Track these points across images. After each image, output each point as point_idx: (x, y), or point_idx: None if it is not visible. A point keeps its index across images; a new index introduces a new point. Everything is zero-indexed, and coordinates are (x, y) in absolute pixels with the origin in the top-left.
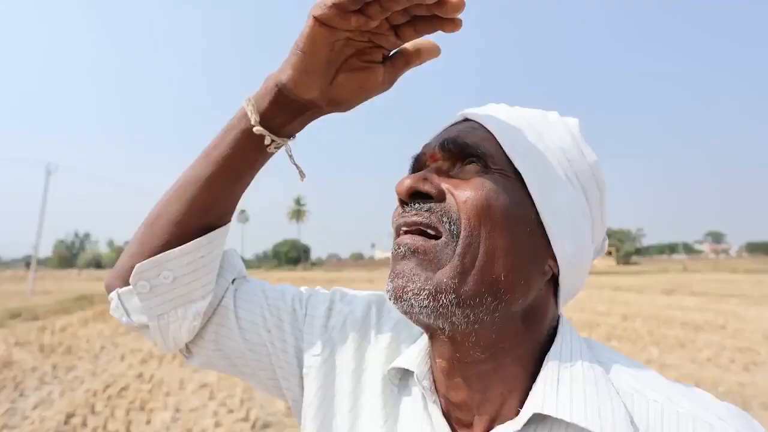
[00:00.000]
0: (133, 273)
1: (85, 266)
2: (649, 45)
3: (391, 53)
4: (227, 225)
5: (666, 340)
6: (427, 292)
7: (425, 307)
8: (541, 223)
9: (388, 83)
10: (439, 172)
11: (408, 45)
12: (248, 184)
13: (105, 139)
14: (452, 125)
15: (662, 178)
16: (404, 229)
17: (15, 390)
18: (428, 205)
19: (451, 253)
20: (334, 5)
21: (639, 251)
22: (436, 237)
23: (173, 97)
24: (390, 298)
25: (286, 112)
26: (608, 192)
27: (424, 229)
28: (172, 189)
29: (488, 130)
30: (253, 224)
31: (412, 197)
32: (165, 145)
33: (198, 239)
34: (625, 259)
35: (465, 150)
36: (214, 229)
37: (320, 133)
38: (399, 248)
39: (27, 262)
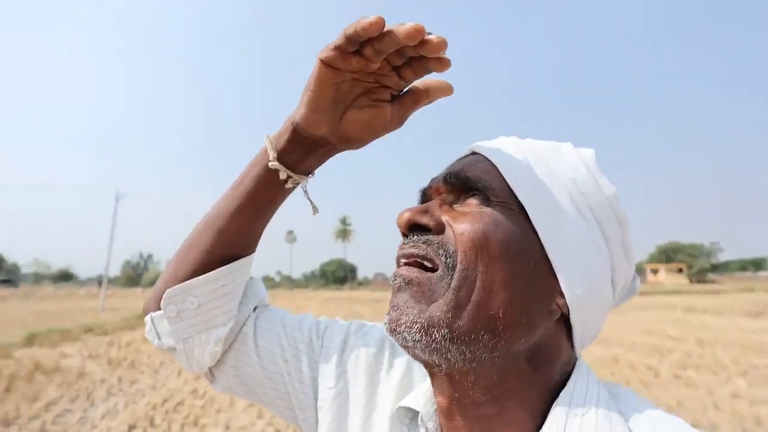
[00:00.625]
0: (163, 297)
1: (149, 285)
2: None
3: (402, 92)
4: (251, 256)
5: (756, 371)
6: (419, 325)
7: (418, 341)
8: (548, 259)
9: (397, 121)
10: (442, 205)
11: (418, 83)
12: (270, 218)
13: (167, 166)
14: (460, 159)
15: (739, 187)
16: (402, 260)
17: (87, 399)
18: (426, 237)
19: (446, 286)
20: (335, 48)
21: (715, 268)
22: (433, 269)
23: (231, 124)
24: (387, 331)
25: (300, 148)
26: (631, 226)
27: (421, 261)
28: (203, 220)
29: (493, 163)
30: (300, 244)
31: (411, 229)
32: (221, 170)
33: (221, 269)
34: (699, 276)
35: (467, 183)
36: (240, 258)
37: (366, 151)
38: (395, 280)
39: (99, 281)
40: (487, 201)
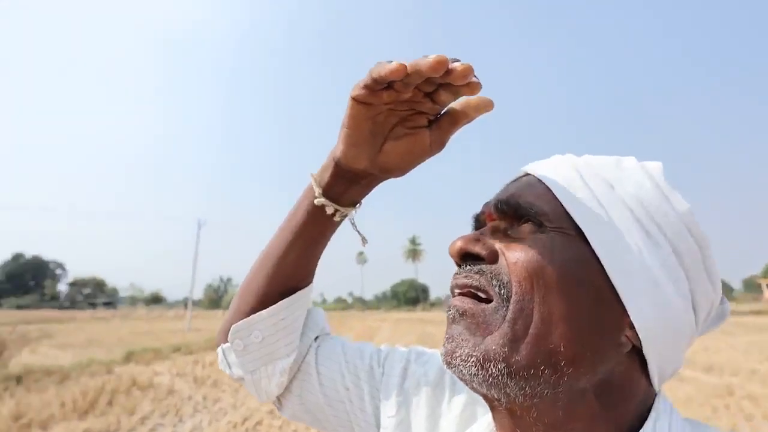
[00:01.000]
0: (230, 332)
1: (228, 307)
2: None
3: (439, 115)
4: (308, 287)
5: None
6: (474, 359)
7: (474, 375)
8: (614, 287)
9: (437, 146)
10: (495, 232)
11: (455, 104)
12: (323, 250)
13: (244, 193)
14: (512, 181)
15: None
16: (456, 291)
17: (176, 415)
18: (479, 266)
19: (501, 318)
20: (365, 86)
21: None
22: (488, 300)
23: (307, 151)
24: (443, 363)
25: (344, 182)
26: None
27: (475, 291)
28: (260, 256)
29: (546, 186)
30: (371, 265)
31: (464, 258)
32: (294, 195)
33: (280, 303)
34: None
35: (518, 210)
36: (298, 291)
37: (433, 168)
38: (449, 310)
39: (185, 303)
40: (541, 227)
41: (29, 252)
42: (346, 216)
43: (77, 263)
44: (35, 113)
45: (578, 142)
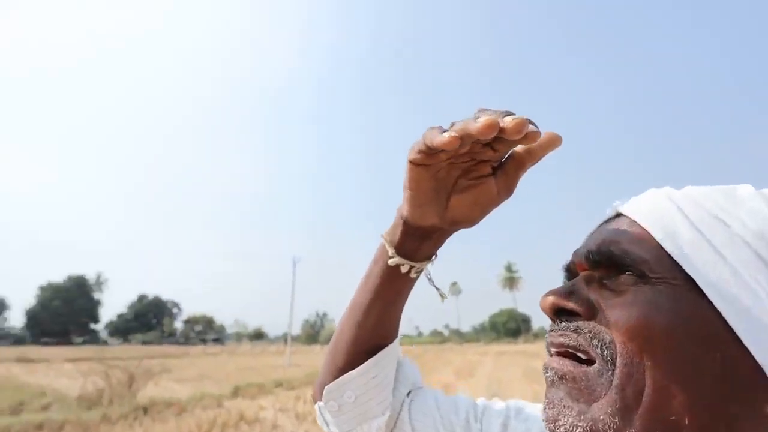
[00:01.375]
0: (323, 393)
1: (326, 342)
2: None
3: (503, 160)
4: (393, 344)
5: None
6: (581, 429)
7: None
8: (741, 342)
9: (505, 192)
10: (590, 282)
11: (519, 147)
12: (403, 306)
13: (337, 230)
14: (604, 223)
15: None
16: (552, 350)
17: None
18: (576, 323)
19: (606, 383)
20: (420, 151)
21: None
22: (589, 362)
23: (397, 185)
24: (546, 430)
25: (415, 239)
26: None
27: (574, 352)
28: (344, 314)
29: (644, 228)
30: (466, 295)
31: (558, 314)
32: (378, 227)
33: (368, 362)
34: None
35: (612, 259)
36: (384, 347)
37: (526, 192)
38: (547, 372)
39: (285, 339)
40: (643, 277)
41: (151, 292)
42: (421, 271)
43: (190, 302)
44: (144, 165)
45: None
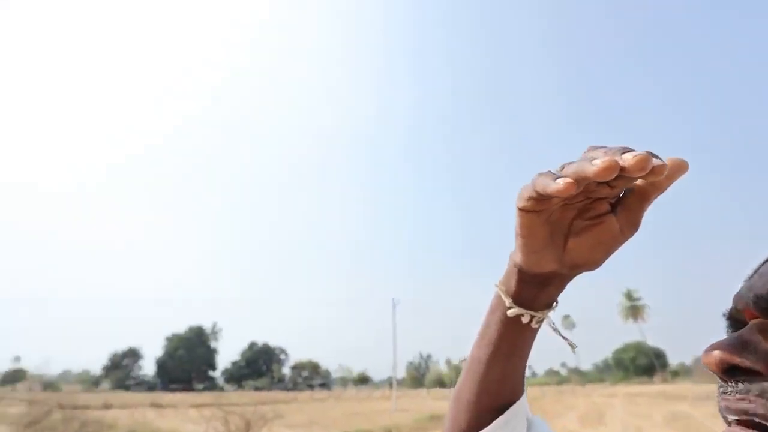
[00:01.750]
0: None
1: (431, 385)
2: None
3: (622, 195)
4: (521, 400)
5: None
6: None
7: None
8: None
9: (629, 228)
10: (764, 332)
11: (640, 180)
12: (527, 358)
13: (434, 270)
14: (765, 263)
15: None
16: (731, 417)
17: None
18: (758, 385)
19: None
20: (531, 198)
21: None
22: None
23: (488, 223)
24: None
25: (532, 286)
26: None
27: (762, 421)
28: (464, 370)
29: None
30: (581, 329)
31: (728, 372)
32: (484, 266)
33: (497, 422)
34: None
35: None
36: (510, 405)
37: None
38: None
39: (390, 383)
40: None
41: (260, 340)
42: (543, 320)
43: (296, 348)
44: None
45: None
